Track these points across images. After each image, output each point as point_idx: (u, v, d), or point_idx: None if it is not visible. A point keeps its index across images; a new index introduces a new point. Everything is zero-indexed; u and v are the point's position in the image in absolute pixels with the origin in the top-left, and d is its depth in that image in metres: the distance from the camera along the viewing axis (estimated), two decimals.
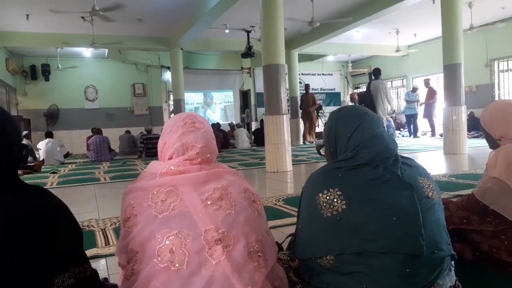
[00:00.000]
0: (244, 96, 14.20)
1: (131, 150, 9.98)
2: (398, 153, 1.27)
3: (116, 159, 8.75)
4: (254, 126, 13.41)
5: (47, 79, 11.54)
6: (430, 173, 1.29)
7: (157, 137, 9.27)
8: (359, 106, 1.40)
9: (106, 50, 11.12)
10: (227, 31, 9.55)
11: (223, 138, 10.64)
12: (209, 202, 1.04)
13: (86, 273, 0.97)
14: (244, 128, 12.52)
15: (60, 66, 11.15)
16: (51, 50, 10.77)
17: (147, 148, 8.99)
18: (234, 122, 12.41)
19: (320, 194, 1.18)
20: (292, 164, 5.49)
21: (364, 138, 1.23)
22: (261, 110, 12.98)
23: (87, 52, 11.18)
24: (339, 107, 1.47)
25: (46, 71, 11.48)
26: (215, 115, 13.89)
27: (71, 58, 11.72)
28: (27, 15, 7.80)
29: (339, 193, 1.16)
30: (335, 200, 1.15)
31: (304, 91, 11.44)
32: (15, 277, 0.81)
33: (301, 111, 11.23)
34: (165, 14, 8.31)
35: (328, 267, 1.16)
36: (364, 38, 11.30)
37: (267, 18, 5.35)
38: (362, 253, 1.11)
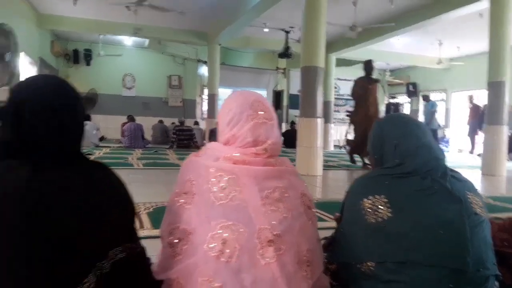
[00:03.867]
0: (277, 96, 14.17)
1: (163, 140, 10.18)
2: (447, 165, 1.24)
3: (148, 147, 8.96)
4: (284, 127, 13.39)
5: (88, 64, 11.94)
6: (477, 190, 1.26)
7: (189, 129, 9.44)
8: (406, 114, 1.39)
9: (147, 40, 11.39)
10: (266, 29, 9.58)
11: None
12: (268, 201, 1.02)
13: (137, 249, 1.01)
14: None
15: (101, 53, 11.49)
16: (94, 36, 11.13)
17: (179, 139, 9.16)
18: None
19: (365, 199, 1.17)
20: (322, 169, 5.45)
21: (411, 146, 1.21)
22: (293, 112, 12.93)
23: (128, 40, 11.48)
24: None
25: (88, 56, 11.88)
26: None
27: (113, 45, 12.07)
28: (75, 0, 8.06)
29: (385, 200, 1.15)
30: (381, 207, 1.14)
31: (365, 74, 6.36)
32: (75, 248, 0.85)
33: (350, 106, 7.39)
34: (207, 9, 8.43)
35: (368, 274, 1.15)
36: (404, 47, 11.07)
37: (310, 19, 5.32)
38: (405, 263, 1.10)
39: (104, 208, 0.90)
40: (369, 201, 1.16)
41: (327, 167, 6.07)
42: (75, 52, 11.85)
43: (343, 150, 10.89)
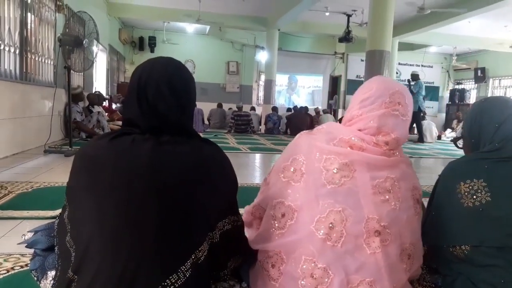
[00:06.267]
0: (334, 82, 13.91)
1: (221, 125, 10.42)
2: None
3: (207, 131, 9.22)
4: (340, 113, 13.15)
5: (152, 51, 12.40)
6: None
7: (246, 115, 9.57)
8: (507, 97, 1.34)
9: (208, 27, 11.59)
10: (327, 13, 9.38)
11: (310, 122, 10.62)
12: (378, 190, 1.01)
13: (238, 222, 1.08)
14: (331, 114, 12.32)
15: (165, 40, 11.91)
16: (158, 24, 11.53)
17: (237, 124, 9.33)
18: (320, 108, 12.27)
19: (462, 183, 1.16)
20: None
21: None
22: (350, 98, 12.63)
23: (190, 27, 11.76)
24: (482, 99, 1.37)
25: (152, 43, 12.34)
26: (300, 99, 13.82)
27: (175, 32, 12.43)
28: None
29: (484, 184, 1.14)
30: (479, 190, 1.13)
31: None
32: (192, 216, 0.92)
33: None
34: None
35: (461, 257, 1.15)
36: (475, 30, 10.34)
37: (378, 1, 5.16)
38: (502, 247, 1.09)
39: (212, 180, 0.96)
40: (467, 185, 1.16)
41: None
42: (141, 39, 12.37)
43: None
